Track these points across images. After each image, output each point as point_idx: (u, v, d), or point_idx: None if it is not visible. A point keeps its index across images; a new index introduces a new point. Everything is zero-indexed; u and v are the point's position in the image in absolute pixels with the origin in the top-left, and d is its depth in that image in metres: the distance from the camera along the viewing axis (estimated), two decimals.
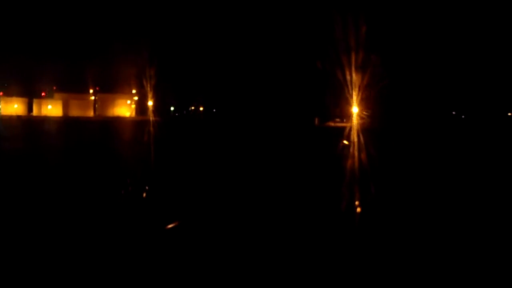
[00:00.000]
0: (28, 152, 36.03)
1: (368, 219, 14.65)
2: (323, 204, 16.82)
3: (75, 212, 14.92)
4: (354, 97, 38.12)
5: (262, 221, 14.50)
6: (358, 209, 15.53)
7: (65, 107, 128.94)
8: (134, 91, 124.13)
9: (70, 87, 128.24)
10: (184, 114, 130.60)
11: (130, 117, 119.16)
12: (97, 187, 19.04)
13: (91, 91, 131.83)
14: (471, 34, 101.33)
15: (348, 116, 52.53)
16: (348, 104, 40.59)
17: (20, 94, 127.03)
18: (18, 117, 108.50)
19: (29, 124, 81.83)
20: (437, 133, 67.25)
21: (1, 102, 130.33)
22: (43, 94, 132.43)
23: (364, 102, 49.00)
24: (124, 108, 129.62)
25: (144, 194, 17.47)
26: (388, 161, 29.26)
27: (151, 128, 42.26)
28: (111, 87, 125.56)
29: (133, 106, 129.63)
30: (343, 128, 35.81)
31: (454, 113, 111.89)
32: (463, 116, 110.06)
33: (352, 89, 37.72)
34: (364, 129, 30.60)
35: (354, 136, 27.10)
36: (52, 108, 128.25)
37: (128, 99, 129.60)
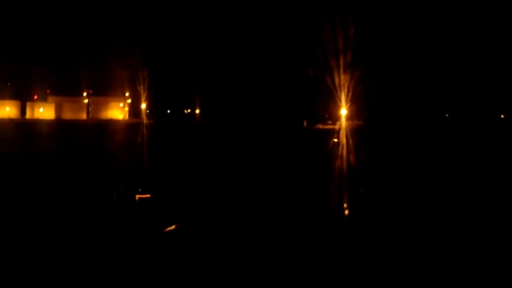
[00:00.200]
0: (21, 155, 36.04)
1: (356, 218, 14.95)
2: (313, 204, 17.07)
3: (68, 216, 15.10)
4: (343, 100, 38.54)
5: (254, 221, 14.78)
6: (346, 211, 15.82)
7: (58, 110, 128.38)
8: (127, 94, 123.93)
9: (63, 90, 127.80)
10: (179, 116, 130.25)
11: (123, 119, 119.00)
12: (89, 190, 19.15)
13: (84, 94, 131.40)
14: (462, 36, 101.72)
15: (337, 119, 52.96)
16: (337, 106, 41.04)
17: (13, 97, 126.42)
18: (11, 120, 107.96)
19: (23, 127, 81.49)
20: (428, 135, 67.30)
21: None
22: (35, 97, 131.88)
23: (353, 105, 49.40)
24: (117, 111, 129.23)
25: (137, 197, 17.61)
26: (377, 161, 29.58)
27: (144, 131, 42.45)
28: (104, 90, 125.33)
29: (126, 108, 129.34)
30: (332, 130, 36.16)
31: (447, 115, 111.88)
32: (455, 118, 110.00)
33: (340, 92, 38.14)
34: (353, 131, 31.02)
35: (342, 137, 27.53)
36: (45, 111, 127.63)
37: (121, 102, 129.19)
